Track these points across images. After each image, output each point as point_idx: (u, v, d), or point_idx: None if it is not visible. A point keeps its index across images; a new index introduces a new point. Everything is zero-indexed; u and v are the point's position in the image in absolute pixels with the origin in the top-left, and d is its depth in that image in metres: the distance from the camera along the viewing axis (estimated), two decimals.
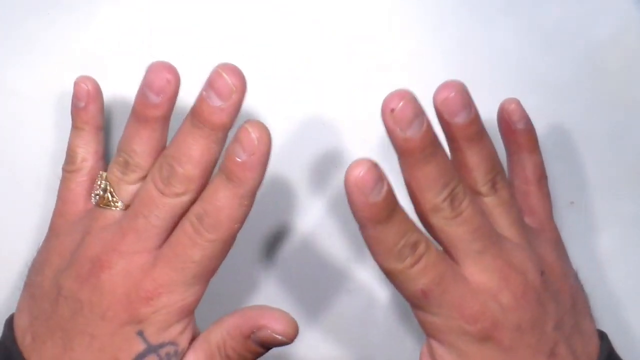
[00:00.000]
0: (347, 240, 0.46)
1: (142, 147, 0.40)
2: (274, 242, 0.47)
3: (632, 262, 0.46)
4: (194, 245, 0.39)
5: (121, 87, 0.45)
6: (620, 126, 0.45)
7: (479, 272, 0.38)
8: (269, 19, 0.45)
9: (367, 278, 0.46)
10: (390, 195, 0.37)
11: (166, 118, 0.40)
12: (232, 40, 0.45)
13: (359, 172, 0.36)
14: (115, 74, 0.45)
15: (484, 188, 0.40)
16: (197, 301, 0.40)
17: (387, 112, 0.37)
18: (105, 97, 0.45)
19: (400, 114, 0.37)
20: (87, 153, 0.43)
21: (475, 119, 0.39)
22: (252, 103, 0.44)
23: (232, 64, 0.38)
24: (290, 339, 0.39)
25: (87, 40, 0.45)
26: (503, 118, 0.43)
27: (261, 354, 0.40)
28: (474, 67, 0.45)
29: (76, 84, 0.43)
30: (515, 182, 0.43)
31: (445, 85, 0.39)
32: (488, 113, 0.45)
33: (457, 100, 0.39)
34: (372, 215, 0.37)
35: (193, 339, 0.40)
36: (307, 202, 0.46)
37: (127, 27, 0.45)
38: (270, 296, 0.46)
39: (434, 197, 0.38)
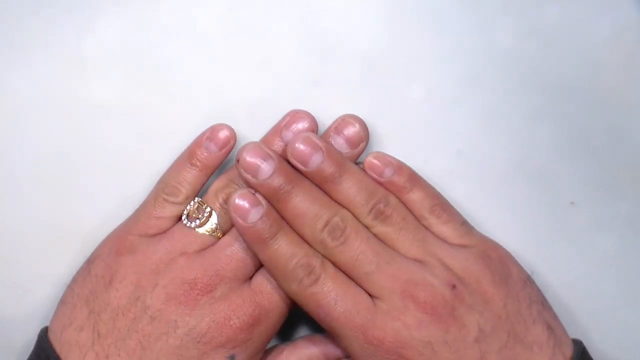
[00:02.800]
0: None
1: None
2: None
3: (632, 262, 0.46)
4: None
5: (121, 87, 0.45)
6: (620, 126, 0.45)
7: (377, 292, 0.40)
8: (268, 19, 0.45)
9: None
10: (270, 219, 0.40)
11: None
12: (233, 41, 0.45)
13: (236, 198, 0.40)
14: (115, 74, 0.45)
15: (367, 219, 0.41)
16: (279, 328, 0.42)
17: (236, 164, 0.40)
18: (105, 97, 0.45)
19: (243, 163, 0.40)
20: (192, 192, 0.43)
21: (327, 161, 0.41)
22: (253, 103, 0.44)
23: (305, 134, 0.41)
24: None
25: (87, 41, 0.45)
26: (368, 170, 0.43)
27: None
28: (473, 68, 0.45)
29: (216, 129, 0.43)
30: (416, 219, 0.43)
31: (294, 138, 0.41)
32: (488, 113, 0.45)
33: (304, 149, 0.41)
34: (253, 238, 0.40)
35: None
36: None
37: (128, 28, 0.45)
38: None
39: (310, 231, 0.40)
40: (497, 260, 0.42)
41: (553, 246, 0.44)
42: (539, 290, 0.42)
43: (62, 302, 0.42)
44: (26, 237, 0.45)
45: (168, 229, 0.42)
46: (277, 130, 0.43)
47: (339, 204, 0.41)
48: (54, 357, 0.39)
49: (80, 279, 0.42)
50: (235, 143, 0.43)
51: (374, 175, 0.42)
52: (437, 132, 0.45)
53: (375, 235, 0.41)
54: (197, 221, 0.42)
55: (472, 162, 0.45)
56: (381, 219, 0.41)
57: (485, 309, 0.40)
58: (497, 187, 0.45)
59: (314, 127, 0.43)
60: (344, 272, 0.40)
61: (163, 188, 0.43)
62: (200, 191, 0.43)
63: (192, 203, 0.42)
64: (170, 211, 0.42)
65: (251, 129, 0.45)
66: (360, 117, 0.43)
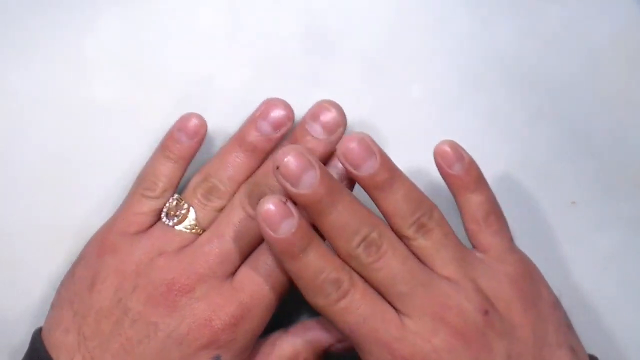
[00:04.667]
0: None
1: (236, 176, 0.42)
2: None
3: (632, 262, 0.46)
4: (281, 268, 0.40)
5: (121, 87, 0.45)
6: (620, 126, 0.45)
7: (409, 314, 0.38)
8: (268, 19, 0.45)
9: None
10: (302, 230, 0.37)
11: (267, 153, 0.42)
12: (233, 41, 0.45)
13: (268, 207, 0.37)
14: (115, 74, 0.45)
15: (409, 231, 0.39)
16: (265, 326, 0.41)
17: (275, 171, 0.37)
18: (105, 97, 0.45)
19: (284, 171, 0.37)
20: (170, 185, 0.42)
21: (382, 167, 0.39)
22: (253, 103, 0.44)
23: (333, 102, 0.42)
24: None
25: (87, 41, 0.45)
26: (437, 163, 0.41)
27: None
28: (474, 67, 0.45)
29: (184, 118, 0.43)
30: (465, 223, 0.42)
31: (346, 138, 0.39)
32: (488, 113, 0.45)
33: (359, 152, 0.38)
34: (283, 250, 0.38)
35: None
36: None
37: (128, 28, 0.45)
38: None
39: (346, 245, 0.38)
40: (530, 282, 0.41)
41: (553, 246, 0.44)
42: (565, 314, 0.41)
43: (52, 305, 0.42)
44: (26, 237, 0.45)
45: (149, 227, 0.42)
46: (253, 120, 0.42)
47: (382, 212, 0.40)
48: (46, 358, 0.39)
49: (66, 282, 0.42)
50: (205, 131, 0.43)
51: (442, 164, 0.41)
52: (437, 132, 0.44)
53: (413, 248, 0.39)
54: (175, 219, 0.41)
55: (478, 160, 0.45)
56: (423, 232, 0.39)
57: (514, 334, 0.39)
58: (497, 187, 0.45)
59: (290, 115, 0.42)
60: (376, 288, 0.39)
61: (140, 183, 0.42)
62: (178, 184, 0.43)
63: (170, 200, 0.42)
64: (148, 206, 0.42)
65: None
66: (339, 104, 0.42)
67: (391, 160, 0.39)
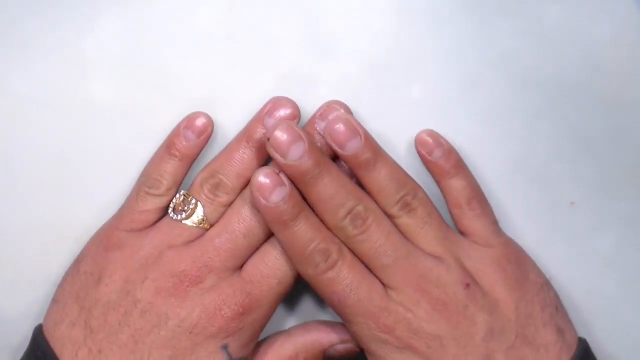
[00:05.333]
0: None
1: (241, 171, 0.42)
2: None
3: (632, 262, 0.46)
4: (289, 261, 0.41)
5: (121, 87, 0.45)
6: (620, 126, 0.45)
7: (392, 284, 0.40)
8: (268, 19, 0.45)
9: None
10: (292, 199, 0.39)
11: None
12: (233, 41, 0.45)
13: (261, 177, 0.39)
14: (115, 74, 0.45)
15: (393, 210, 0.41)
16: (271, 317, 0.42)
17: (265, 142, 0.40)
18: (105, 97, 0.45)
19: (274, 142, 0.39)
20: (174, 183, 0.43)
21: (366, 147, 0.41)
22: (253, 103, 0.44)
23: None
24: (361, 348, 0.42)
25: (87, 41, 0.45)
26: (418, 150, 0.43)
27: None
28: (473, 68, 0.45)
29: (192, 117, 0.43)
30: (449, 208, 0.43)
31: (333, 119, 0.41)
32: (488, 113, 0.45)
33: (344, 131, 0.40)
34: (273, 218, 0.39)
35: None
36: None
37: (128, 28, 0.45)
38: None
39: (332, 217, 0.40)
40: (515, 264, 0.42)
41: (553, 246, 0.44)
42: (555, 295, 0.43)
43: (54, 300, 0.42)
44: (26, 237, 0.45)
45: (155, 223, 0.42)
46: (260, 117, 0.43)
47: (367, 191, 0.41)
48: (49, 353, 0.40)
49: (69, 278, 0.42)
50: (212, 130, 0.43)
51: (423, 152, 0.43)
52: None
53: (398, 226, 0.41)
54: (183, 213, 0.42)
55: (472, 162, 0.45)
56: (407, 210, 0.41)
57: (495, 310, 0.40)
58: (497, 187, 0.45)
59: (296, 114, 0.42)
60: (361, 260, 0.40)
61: (144, 181, 0.43)
62: (181, 182, 0.43)
63: (177, 196, 0.42)
64: (153, 204, 0.42)
65: None
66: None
67: (375, 142, 0.41)
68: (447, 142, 0.43)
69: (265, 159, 0.43)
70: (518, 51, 0.45)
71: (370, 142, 0.41)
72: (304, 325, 0.43)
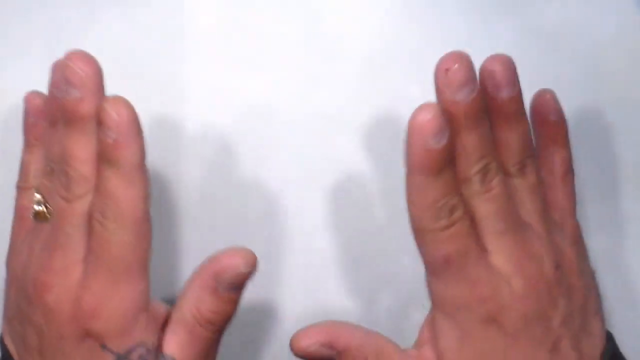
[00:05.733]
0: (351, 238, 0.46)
1: (59, 148, 0.39)
2: (274, 241, 0.46)
3: (632, 262, 0.46)
4: (108, 242, 0.37)
5: (121, 87, 0.45)
6: (620, 126, 0.45)
7: (497, 252, 0.38)
8: (268, 19, 0.45)
9: (368, 281, 0.46)
10: (448, 150, 0.36)
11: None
12: (233, 41, 0.45)
13: (426, 116, 0.36)
14: (115, 75, 0.45)
15: (513, 168, 0.40)
16: (146, 293, 0.38)
17: (442, 72, 0.37)
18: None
19: (453, 75, 0.37)
20: (37, 170, 0.41)
21: (518, 97, 0.39)
22: (253, 103, 0.44)
23: (79, 51, 0.37)
24: (254, 267, 0.38)
25: (87, 41, 0.45)
26: (536, 108, 0.42)
27: (237, 300, 0.39)
28: (474, 67, 0.45)
29: (26, 100, 0.42)
30: (542, 174, 0.42)
31: (494, 58, 0.39)
32: None
33: (504, 75, 0.39)
34: (424, 163, 0.36)
35: (163, 325, 0.39)
36: (305, 196, 0.46)
37: (128, 28, 0.45)
38: (275, 296, 0.46)
39: (468, 168, 0.38)
40: (584, 250, 0.42)
41: None
42: (598, 284, 0.42)
43: None
44: None
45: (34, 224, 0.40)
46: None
47: (500, 142, 0.40)
48: (5, 351, 0.39)
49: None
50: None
51: (537, 110, 0.42)
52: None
53: (510, 184, 0.39)
54: (34, 212, 0.40)
55: None
56: (523, 172, 0.40)
57: (570, 295, 0.39)
58: None
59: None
60: (476, 219, 0.38)
61: (17, 181, 0.42)
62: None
63: (32, 196, 0.40)
64: (27, 199, 0.41)
65: (251, 129, 0.45)
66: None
67: (522, 98, 0.40)
68: (562, 110, 0.42)
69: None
70: (518, 51, 0.45)
71: (521, 95, 0.40)
72: (191, 275, 0.39)
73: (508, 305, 0.38)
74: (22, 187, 0.42)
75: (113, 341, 0.37)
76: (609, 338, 0.41)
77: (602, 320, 0.41)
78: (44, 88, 0.45)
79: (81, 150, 0.37)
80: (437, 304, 0.39)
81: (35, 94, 0.42)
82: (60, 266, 0.37)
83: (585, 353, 0.39)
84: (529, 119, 0.41)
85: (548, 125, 0.42)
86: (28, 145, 0.42)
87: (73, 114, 0.37)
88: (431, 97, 0.45)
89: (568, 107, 0.45)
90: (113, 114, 0.36)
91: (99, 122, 0.36)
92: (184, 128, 0.44)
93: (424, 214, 0.37)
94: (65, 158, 0.37)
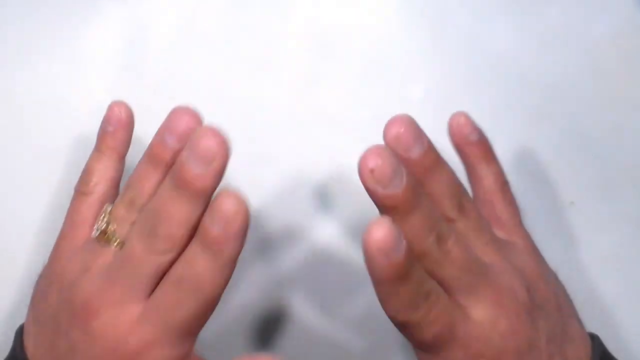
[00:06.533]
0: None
1: (151, 190, 0.39)
2: (275, 245, 0.47)
3: (632, 262, 0.46)
4: (175, 307, 0.37)
5: (121, 87, 0.45)
6: (620, 126, 0.45)
7: (475, 305, 0.38)
8: (268, 19, 0.45)
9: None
10: (410, 252, 0.36)
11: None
12: (233, 40, 0.45)
13: (380, 232, 0.35)
14: (115, 74, 0.45)
15: (452, 213, 0.39)
16: (187, 354, 0.39)
17: (366, 173, 0.36)
18: (105, 97, 0.45)
19: (379, 173, 0.36)
20: (102, 178, 0.41)
21: (429, 150, 0.39)
22: (252, 103, 0.44)
23: (213, 127, 0.37)
24: None
25: (87, 41, 0.45)
26: (454, 132, 0.42)
27: None
28: (474, 67, 0.45)
29: (110, 108, 0.42)
30: (478, 194, 0.42)
31: (394, 121, 0.38)
32: (488, 113, 0.45)
33: (408, 135, 0.38)
34: (391, 275, 0.36)
35: None
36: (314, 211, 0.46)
37: (127, 27, 0.45)
38: (273, 296, 0.46)
39: (421, 244, 0.37)
40: (541, 257, 0.41)
41: (552, 246, 0.44)
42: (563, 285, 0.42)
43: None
44: (26, 237, 0.45)
45: (91, 226, 0.40)
46: (160, 134, 0.39)
47: (432, 194, 0.39)
48: (21, 356, 0.39)
49: (35, 284, 0.41)
50: (131, 118, 0.41)
51: (458, 135, 0.41)
52: (437, 132, 0.44)
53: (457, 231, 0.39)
54: (98, 232, 0.39)
55: None
56: (463, 213, 0.39)
57: (547, 308, 0.39)
58: None
59: (198, 122, 0.39)
60: (445, 285, 0.38)
61: (77, 182, 0.42)
62: (112, 179, 0.41)
63: (102, 215, 0.40)
64: (86, 203, 0.41)
65: (251, 129, 0.45)
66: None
67: (434, 146, 0.39)
68: (479, 127, 0.42)
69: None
70: (518, 51, 0.45)
71: (432, 145, 0.39)
72: None
73: (502, 348, 0.38)
74: (82, 192, 0.41)
75: None
76: (594, 339, 0.40)
77: (580, 320, 0.41)
78: (44, 88, 0.45)
79: (181, 215, 0.37)
80: None
81: (121, 104, 0.42)
82: (118, 300, 0.37)
83: (570, 358, 0.39)
84: (451, 143, 0.42)
85: (471, 146, 0.42)
86: (99, 151, 0.42)
87: (189, 184, 0.37)
88: (431, 97, 0.45)
89: (568, 107, 0.45)
90: (230, 208, 0.36)
91: (213, 208, 0.36)
92: None
93: (402, 312, 0.37)
94: (161, 213, 0.37)
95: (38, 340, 0.39)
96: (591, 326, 0.43)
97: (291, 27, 0.45)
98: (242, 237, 0.37)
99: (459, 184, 0.40)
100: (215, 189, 0.37)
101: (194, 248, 0.37)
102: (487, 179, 0.42)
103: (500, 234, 0.41)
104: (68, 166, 0.45)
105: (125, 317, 0.38)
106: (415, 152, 0.38)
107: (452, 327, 0.37)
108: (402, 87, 0.45)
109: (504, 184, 0.42)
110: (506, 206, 0.42)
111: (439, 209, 0.39)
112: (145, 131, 0.45)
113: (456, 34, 0.45)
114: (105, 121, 0.42)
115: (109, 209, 0.40)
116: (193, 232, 0.38)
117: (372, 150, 0.36)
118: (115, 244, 0.39)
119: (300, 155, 0.46)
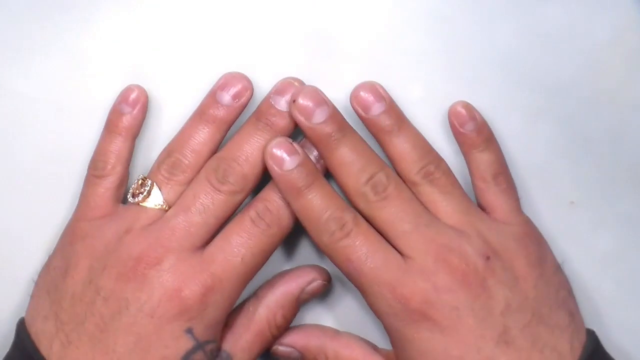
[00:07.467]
0: None
1: (199, 148, 0.42)
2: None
3: (632, 262, 0.46)
4: (254, 241, 0.40)
5: (121, 87, 0.45)
6: (620, 126, 0.45)
7: (411, 252, 0.39)
8: (268, 18, 0.45)
9: None
10: (306, 166, 0.40)
11: (229, 125, 0.42)
12: (233, 40, 0.45)
13: (272, 145, 0.40)
14: (115, 74, 0.45)
15: (416, 177, 0.41)
16: (238, 298, 0.41)
17: (291, 104, 0.40)
18: (105, 97, 0.45)
19: (300, 105, 0.40)
20: (118, 160, 0.43)
21: (389, 110, 0.41)
22: (252, 102, 0.44)
23: (296, 79, 0.42)
24: (330, 280, 0.43)
25: (87, 41, 0.45)
26: (451, 122, 0.43)
27: (297, 312, 0.43)
28: (473, 67, 0.45)
29: (126, 89, 0.43)
30: (473, 181, 0.43)
31: (358, 86, 0.42)
32: (488, 113, 0.45)
33: (369, 95, 0.41)
34: (287, 186, 0.40)
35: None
36: None
37: (128, 27, 0.45)
38: None
39: (355, 182, 0.40)
40: (536, 243, 0.42)
41: (553, 246, 0.44)
42: (567, 280, 0.42)
43: (31, 296, 0.42)
44: (26, 237, 0.45)
45: (112, 205, 0.42)
46: (212, 92, 0.42)
47: (389, 158, 0.41)
48: (30, 346, 0.40)
49: (42, 273, 0.42)
50: (146, 100, 0.43)
51: (455, 123, 0.43)
52: (437, 132, 0.45)
53: (418, 194, 0.41)
54: (140, 196, 0.41)
55: None
56: (429, 179, 0.41)
57: (515, 285, 0.39)
58: None
59: (248, 86, 0.42)
60: (380, 228, 0.40)
61: (90, 166, 0.43)
62: (128, 159, 0.43)
63: (136, 180, 0.42)
64: (103, 186, 0.42)
65: None
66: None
67: (399, 109, 0.42)
68: (481, 116, 0.43)
69: (223, 135, 0.42)
70: (518, 51, 0.45)
71: (394, 108, 0.42)
72: (269, 284, 0.43)
73: (433, 299, 0.38)
74: (97, 175, 0.42)
75: (200, 329, 0.39)
76: (590, 336, 0.41)
77: (573, 314, 0.41)
78: (44, 88, 0.45)
79: (258, 154, 0.41)
80: (373, 312, 0.41)
81: (138, 87, 0.43)
82: (176, 246, 0.40)
83: (543, 345, 0.39)
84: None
85: (464, 136, 0.43)
86: (113, 133, 0.43)
87: (272, 124, 0.41)
88: (432, 97, 0.45)
89: (567, 107, 0.45)
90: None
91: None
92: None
93: (314, 231, 0.40)
94: (237, 154, 0.41)
95: (62, 321, 0.40)
96: (590, 324, 0.43)
97: (291, 26, 0.45)
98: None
99: (428, 152, 0.42)
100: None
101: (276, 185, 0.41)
102: (480, 167, 0.43)
103: (494, 218, 0.42)
104: (68, 166, 0.45)
105: (187, 260, 0.40)
106: (374, 111, 0.41)
107: (370, 262, 0.39)
108: (402, 87, 0.44)
109: (497, 173, 0.42)
110: (498, 194, 0.42)
111: (401, 170, 0.41)
112: (146, 129, 0.45)
113: (456, 34, 0.45)
114: (122, 103, 0.43)
115: (145, 176, 0.42)
116: (260, 177, 0.41)
117: (299, 87, 0.41)
118: (161, 204, 0.41)
119: None
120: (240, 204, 0.41)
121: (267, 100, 0.42)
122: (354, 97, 0.41)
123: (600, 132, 0.45)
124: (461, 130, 0.42)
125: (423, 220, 0.40)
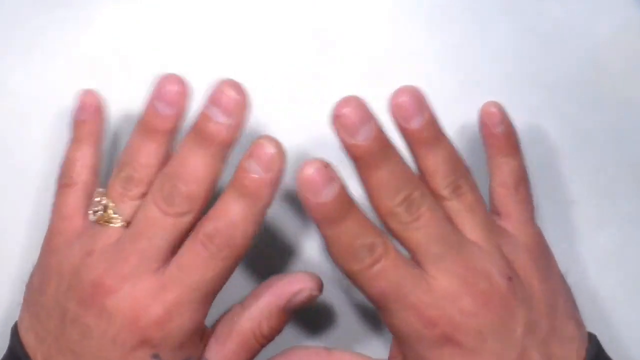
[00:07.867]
0: None
1: (148, 161, 0.39)
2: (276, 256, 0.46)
3: (632, 262, 0.46)
4: (206, 265, 0.38)
5: (121, 87, 0.45)
6: (620, 126, 0.45)
7: (439, 276, 0.38)
8: (269, 20, 0.45)
9: None
10: (342, 196, 0.37)
11: (174, 132, 0.40)
12: (233, 40, 0.45)
13: (309, 172, 0.37)
14: (116, 74, 0.45)
15: (445, 191, 0.40)
16: (206, 315, 0.40)
17: (335, 118, 0.37)
18: (105, 97, 0.45)
19: (346, 120, 0.37)
20: (83, 167, 0.42)
21: (429, 124, 0.39)
22: (252, 102, 0.44)
23: (235, 80, 0.38)
24: (321, 290, 0.41)
25: (87, 41, 0.45)
26: (482, 121, 0.42)
27: (288, 321, 0.41)
28: (473, 67, 0.45)
29: (80, 96, 0.42)
30: (493, 186, 0.42)
31: (399, 90, 0.39)
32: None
33: (410, 105, 0.39)
34: (323, 216, 0.37)
35: (207, 338, 0.40)
36: None
37: (128, 27, 0.45)
38: None
39: (389, 202, 0.38)
40: (545, 256, 0.42)
41: (553, 245, 0.44)
42: (569, 287, 0.42)
43: (22, 301, 0.42)
44: (26, 237, 0.45)
45: (84, 222, 0.40)
46: (149, 102, 0.40)
47: (422, 170, 0.40)
48: (21, 352, 0.39)
49: (28, 282, 0.42)
50: (104, 106, 0.42)
51: (487, 123, 0.42)
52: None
53: (446, 208, 0.40)
54: (98, 214, 0.40)
55: (473, 161, 0.45)
56: (457, 194, 0.40)
57: (532, 303, 0.39)
58: None
59: (182, 90, 0.39)
60: (409, 249, 0.39)
61: (59, 177, 0.42)
62: (96, 166, 0.42)
63: (94, 196, 0.40)
64: (72, 195, 0.41)
65: (250, 128, 0.44)
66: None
67: (438, 121, 0.40)
68: (510, 121, 0.42)
69: (168, 144, 0.40)
70: (518, 51, 0.45)
71: (434, 120, 0.39)
72: (256, 292, 0.41)
73: (459, 323, 0.38)
74: (65, 184, 0.41)
75: (167, 353, 0.38)
76: (592, 340, 0.41)
77: (579, 322, 0.41)
78: (44, 88, 0.45)
79: (202, 171, 0.38)
80: (392, 332, 0.40)
81: (91, 92, 0.42)
82: (132, 273, 0.38)
83: (558, 357, 0.39)
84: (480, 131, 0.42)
85: (493, 138, 0.42)
86: (77, 141, 0.42)
87: (211, 137, 0.38)
88: (431, 97, 0.45)
89: (567, 107, 0.45)
90: (270, 153, 0.38)
91: (253, 154, 0.37)
92: (183, 127, 0.44)
93: (344, 260, 0.38)
94: (180, 173, 0.38)
95: (40, 336, 0.39)
96: (590, 325, 0.43)
97: (291, 26, 0.45)
98: (278, 184, 0.38)
99: (459, 166, 0.40)
100: (235, 143, 0.38)
101: (226, 198, 0.38)
102: (504, 173, 0.42)
103: (506, 226, 0.42)
104: None
105: (143, 287, 0.38)
106: (414, 124, 0.39)
107: (399, 287, 0.38)
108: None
109: (519, 181, 0.42)
110: (517, 203, 0.42)
111: (431, 184, 0.40)
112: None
113: (456, 34, 0.45)
114: (79, 110, 0.42)
115: (103, 191, 0.40)
116: (210, 193, 0.38)
117: (344, 99, 0.37)
118: (119, 223, 0.39)
119: (300, 155, 0.46)
120: (194, 222, 0.39)
121: (204, 113, 0.38)
122: (395, 105, 0.39)
123: (601, 131, 0.45)
124: (493, 131, 0.42)
125: (452, 242, 0.39)
